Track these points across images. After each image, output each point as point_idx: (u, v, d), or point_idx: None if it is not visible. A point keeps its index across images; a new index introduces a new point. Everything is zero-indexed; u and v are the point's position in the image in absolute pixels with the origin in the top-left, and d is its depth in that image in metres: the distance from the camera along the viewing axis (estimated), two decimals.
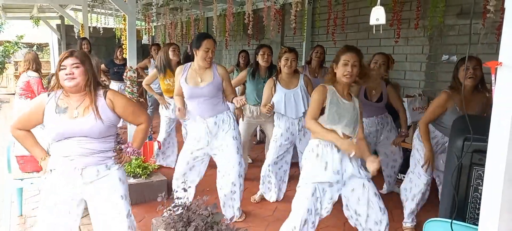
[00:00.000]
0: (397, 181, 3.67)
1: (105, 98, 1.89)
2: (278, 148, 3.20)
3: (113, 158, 1.96)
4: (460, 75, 2.51)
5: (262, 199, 3.42)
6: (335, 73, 2.21)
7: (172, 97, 3.79)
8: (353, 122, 2.18)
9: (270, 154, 3.24)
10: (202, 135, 2.79)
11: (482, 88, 2.54)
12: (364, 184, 2.17)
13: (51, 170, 1.90)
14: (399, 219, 2.97)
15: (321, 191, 2.16)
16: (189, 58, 4.93)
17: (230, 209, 2.91)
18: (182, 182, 2.89)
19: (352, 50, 2.18)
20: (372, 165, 2.06)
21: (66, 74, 1.80)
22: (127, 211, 1.94)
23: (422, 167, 2.69)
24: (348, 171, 2.16)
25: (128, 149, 2.02)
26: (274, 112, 3.22)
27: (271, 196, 3.38)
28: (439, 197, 2.94)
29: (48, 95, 1.90)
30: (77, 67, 1.82)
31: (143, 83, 4.25)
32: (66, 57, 1.82)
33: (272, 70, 3.59)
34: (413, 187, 2.80)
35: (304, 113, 3.10)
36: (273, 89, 3.13)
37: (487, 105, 2.50)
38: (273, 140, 3.23)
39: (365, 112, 3.26)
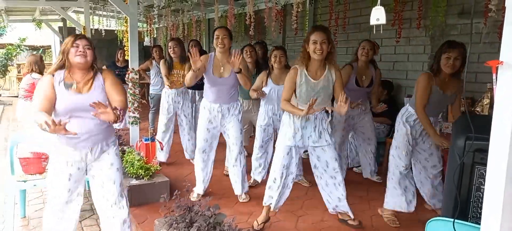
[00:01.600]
0: None
1: (101, 75, 2.21)
2: (261, 134, 3.61)
3: (113, 134, 2.29)
4: (441, 62, 2.65)
5: (254, 186, 3.71)
6: (308, 52, 2.48)
7: (172, 88, 4.25)
8: (322, 94, 2.55)
9: (257, 139, 3.66)
10: (216, 115, 3.20)
11: (459, 75, 2.72)
12: (323, 148, 2.66)
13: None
14: (377, 205, 3.14)
15: (293, 151, 2.68)
16: (188, 58, 4.99)
17: (237, 183, 3.35)
18: (186, 183, 3.13)
19: (319, 29, 2.47)
20: (341, 109, 2.40)
21: (80, 51, 2.08)
22: (120, 180, 2.30)
23: (442, 149, 2.87)
24: (313, 137, 2.64)
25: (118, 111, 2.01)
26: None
27: (262, 176, 3.71)
28: (415, 184, 3.04)
29: (53, 75, 2.10)
30: (88, 48, 2.12)
31: (165, 77, 4.37)
32: (80, 38, 2.12)
33: (260, 65, 4.02)
34: (394, 168, 2.90)
35: None
36: (264, 81, 3.51)
37: (460, 90, 2.77)
38: (258, 125, 3.65)
39: (353, 97, 3.47)
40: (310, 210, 3.19)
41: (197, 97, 5.15)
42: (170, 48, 4.26)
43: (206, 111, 3.23)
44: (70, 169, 2.18)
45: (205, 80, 3.21)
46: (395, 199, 2.91)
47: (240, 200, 3.36)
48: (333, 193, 2.79)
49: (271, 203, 2.76)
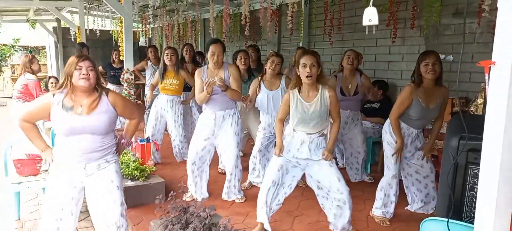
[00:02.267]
0: None
1: (107, 98, 2.15)
2: (261, 139, 3.60)
3: (114, 152, 2.23)
4: (421, 70, 2.70)
5: (251, 186, 3.71)
6: (298, 75, 2.53)
7: (164, 93, 4.28)
8: (317, 117, 2.54)
9: (256, 145, 3.66)
10: (210, 125, 3.19)
11: (440, 82, 2.76)
12: (322, 168, 2.59)
13: (51, 160, 2.15)
14: (372, 205, 3.10)
15: (285, 169, 2.64)
16: (183, 60, 4.98)
17: (231, 193, 3.35)
18: (182, 184, 3.08)
19: (308, 53, 2.53)
20: (326, 155, 2.57)
21: (83, 74, 2.04)
22: (121, 200, 2.22)
23: (392, 155, 2.88)
24: (311, 153, 2.59)
25: (122, 141, 2.32)
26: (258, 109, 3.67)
27: (258, 182, 3.63)
28: (404, 188, 3.16)
29: (53, 95, 2.10)
30: (92, 70, 2.08)
31: (148, 87, 4.51)
32: (84, 60, 2.08)
33: (252, 71, 4.09)
34: (383, 179, 3.00)
35: None
36: (258, 88, 3.52)
37: (446, 98, 2.84)
38: (258, 131, 3.65)
39: (341, 106, 3.46)
40: (306, 210, 3.19)
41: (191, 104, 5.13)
42: (167, 55, 4.20)
43: (200, 122, 3.25)
44: (65, 185, 2.14)
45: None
46: (379, 206, 3.01)
47: (237, 201, 3.36)
48: (337, 214, 2.65)
49: (263, 221, 2.70)
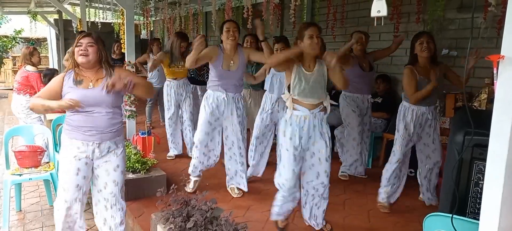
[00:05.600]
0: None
1: (113, 72, 2.24)
2: (260, 123, 3.60)
3: (122, 137, 2.32)
4: (417, 50, 2.87)
5: (252, 180, 3.61)
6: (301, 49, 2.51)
7: (174, 78, 4.23)
8: (317, 87, 2.49)
9: (255, 129, 3.66)
10: (219, 104, 3.15)
11: (436, 61, 2.92)
12: (320, 158, 2.51)
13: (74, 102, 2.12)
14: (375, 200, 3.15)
15: (297, 154, 2.50)
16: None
17: (238, 181, 3.33)
18: (183, 177, 3.09)
19: (313, 25, 2.56)
20: (330, 57, 2.51)
21: (81, 50, 2.12)
22: (122, 183, 2.34)
23: (399, 134, 2.97)
24: (312, 138, 2.51)
25: (126, 81, 2.10)
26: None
27: (258, 172, 3.71)
28: (418, 178, 3.21)
29: (65, 73, 2.21)
30: (91, 46, 2.14)
31: (149, 66, 4.55)
32: (83, 37, 2.15)
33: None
34: (388, 164, 3.05)
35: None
36: (267, 70, 3.49)
37: (448, 68, 3.00)
38: (258, 115, 3.65)
39: (359, 86, 3.62)
40: None
41: (199, 93, 5.11)
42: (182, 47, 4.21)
43: (209, 102, 3.17)
44: (78, 163, 2.20)
45: (212, 74, 3.18)
46: (382, 189, 3.07)
47: (234, 195, 3.33)
48: (312, 202, 2.64)
49: (277, 218, 2.67)
